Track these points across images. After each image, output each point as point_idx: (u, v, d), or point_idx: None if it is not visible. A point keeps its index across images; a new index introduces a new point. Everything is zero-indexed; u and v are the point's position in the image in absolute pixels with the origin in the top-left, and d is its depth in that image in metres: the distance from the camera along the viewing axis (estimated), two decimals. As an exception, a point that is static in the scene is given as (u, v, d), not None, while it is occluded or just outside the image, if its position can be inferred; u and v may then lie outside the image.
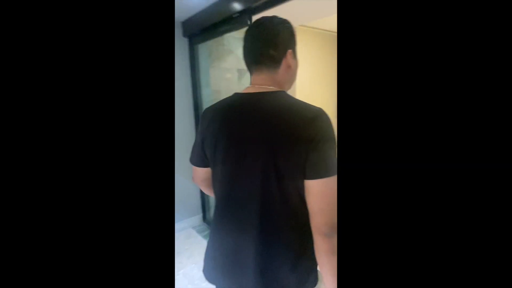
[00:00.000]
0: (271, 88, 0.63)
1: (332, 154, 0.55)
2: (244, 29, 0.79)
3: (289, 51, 0.63)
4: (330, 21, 2.51)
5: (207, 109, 0.71)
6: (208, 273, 0.72)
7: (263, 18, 0.65)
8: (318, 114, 0.55)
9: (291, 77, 0.68)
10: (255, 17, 1.52)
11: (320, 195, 0.55)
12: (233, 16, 1.61)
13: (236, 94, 0.68)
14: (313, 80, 2.83)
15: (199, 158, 0.73)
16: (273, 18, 0.64)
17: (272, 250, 0.61)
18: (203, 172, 0.75)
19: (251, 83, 0.67)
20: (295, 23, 0.73)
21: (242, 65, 0.68)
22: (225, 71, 2.37)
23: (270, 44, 0.61)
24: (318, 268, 0.62)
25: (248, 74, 0.70)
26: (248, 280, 0.63)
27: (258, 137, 0.58)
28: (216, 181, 0.69)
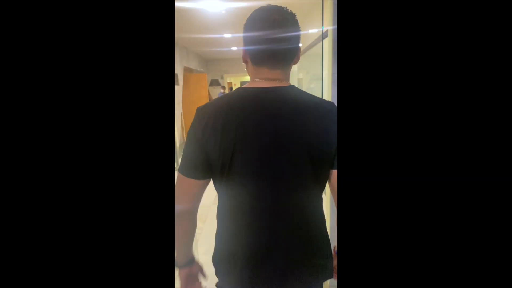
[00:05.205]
0: (285, 83, 0.62)
1: None
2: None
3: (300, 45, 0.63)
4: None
5: (206, 108, 0.61)
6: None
7: (276, 6, 0.58)
8: (333, 104, 0.62)
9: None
10: None
11: None
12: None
13: (245, 89, 0.61)
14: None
15: (197, 168, 0.61)
16: (284, 7, 0.59)
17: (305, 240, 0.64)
18: (198, 186, 0.63)
19: (256, 78, 0.62)
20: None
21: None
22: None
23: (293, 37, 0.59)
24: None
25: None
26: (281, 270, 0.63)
27: (293, 131, 0.58)
28: (233, 182, 0.61)
